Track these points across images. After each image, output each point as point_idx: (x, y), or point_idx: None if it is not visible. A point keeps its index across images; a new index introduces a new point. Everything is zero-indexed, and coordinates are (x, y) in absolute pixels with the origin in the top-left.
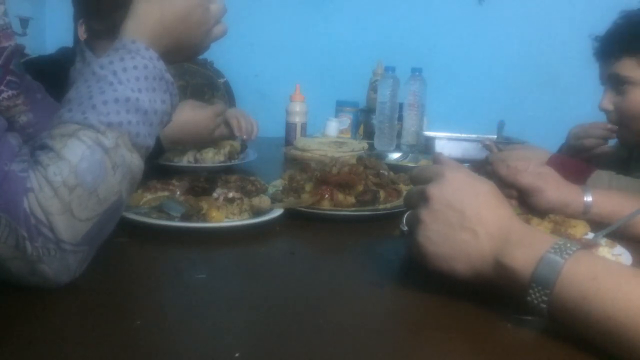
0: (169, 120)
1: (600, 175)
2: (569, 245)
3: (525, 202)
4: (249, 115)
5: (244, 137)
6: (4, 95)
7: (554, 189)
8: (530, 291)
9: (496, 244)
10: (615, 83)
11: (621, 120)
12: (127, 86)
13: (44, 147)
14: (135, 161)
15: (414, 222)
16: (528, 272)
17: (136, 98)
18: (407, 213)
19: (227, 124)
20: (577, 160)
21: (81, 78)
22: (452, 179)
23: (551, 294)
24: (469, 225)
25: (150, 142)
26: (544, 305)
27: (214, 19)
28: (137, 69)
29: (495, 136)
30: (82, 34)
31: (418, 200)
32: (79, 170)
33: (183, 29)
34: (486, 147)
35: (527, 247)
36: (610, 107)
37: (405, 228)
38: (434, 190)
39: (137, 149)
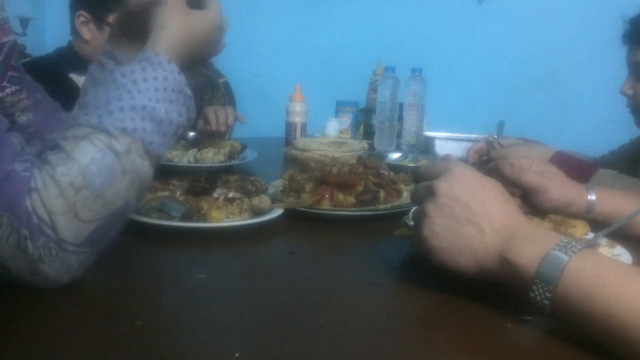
0: (183, 132)
1: (604, 175)
2: (574, 243)
3: (529, 201)
4: (226, 108)
5: (222, 128)
6: (8, 91)
7: (558, 187)
8: (534, 287)
9: (501, 239)
10: (638, 70)
11: (639, 106)
12: (145, 95)
13: (54, 148)
14: (146, 168)
15: (420, 216)
16: (532, 269)
17: (152, 107)
18: (414, 208)
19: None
20: (581, 158)
21: (101, 83)
22: (459, 174)
23: (555, 291)
24: (475, 219)
25: (162, 151)
26: (547, 302)
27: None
28: (157, 80)
29: (496, 135)
30: (80, 25)
31: (425, 195)
32: (88, 172)
33: (202, 46)
34: (488, 143)
35: (532, 243)
36: (630, 92)
37: (411, 223)
38: (441, 185)
39: (150, 156)
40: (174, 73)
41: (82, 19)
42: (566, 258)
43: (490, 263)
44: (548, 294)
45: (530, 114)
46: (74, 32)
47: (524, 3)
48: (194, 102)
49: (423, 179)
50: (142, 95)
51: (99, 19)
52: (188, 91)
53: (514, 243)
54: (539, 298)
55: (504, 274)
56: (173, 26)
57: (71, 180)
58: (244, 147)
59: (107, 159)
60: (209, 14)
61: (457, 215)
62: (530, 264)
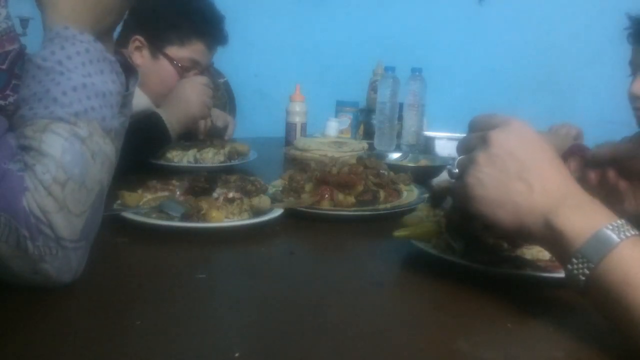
0: (127, 100)
1: None
2: (628, 227)
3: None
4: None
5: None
6: (10, 99)
7: None
8: (574, 260)
9: (551, 202)
10: None
11: None
12: (78, 73)
13: (23, 149)
14: (108, 147)
15: (467, 164)
16: (578, 241)
17: (91, 83)
18: (460, 157)
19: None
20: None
21: (27, 75)
22: (518, 128)
23: (594, 269)
24: (526, 176)
25: (116, 124)
26: (583, 278)
27: None
28: (80, 54)
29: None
30: (133, 49)
31: (476, 143)
32: (66, 164)
33: (105, 3)
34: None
35: (583, 215)
36: None
37: (456, 170)
38: (497, 135)
39: (107, 133)
40: (91, 42)
41: (137, 43)
42: (617, 240)
43: (533, 223)
44: (586, 271)
45: (530, 114)
46: (120, 46)
47: (524, 3)
48: (119, 65)
49: (476, 129)
50: (75, 74)
51: (156, 48)
52: (110, 56)
53: (564, 209)
54: (575, 272)
55: (545, 238)
56: None
57: (53, 176)
58: (247, 150)
59: (76, 147)
60: None
61: (507, 169)
62: (577, 235)
